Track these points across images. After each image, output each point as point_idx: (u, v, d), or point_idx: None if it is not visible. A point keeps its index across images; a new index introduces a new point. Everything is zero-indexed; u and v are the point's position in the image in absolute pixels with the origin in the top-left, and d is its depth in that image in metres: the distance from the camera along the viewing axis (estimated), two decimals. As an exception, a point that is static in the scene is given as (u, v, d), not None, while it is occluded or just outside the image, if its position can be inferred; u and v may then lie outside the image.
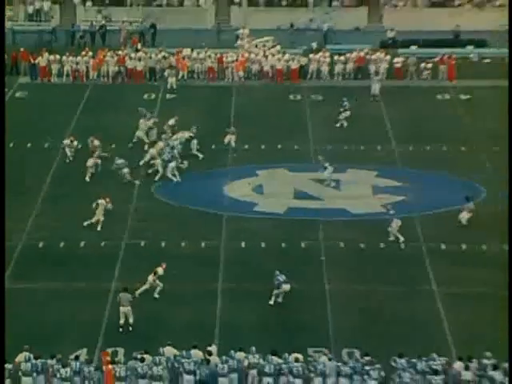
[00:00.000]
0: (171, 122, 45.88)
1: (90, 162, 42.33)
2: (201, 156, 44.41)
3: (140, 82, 55.03)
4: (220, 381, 27.81)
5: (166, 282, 33.27)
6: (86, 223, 37.59)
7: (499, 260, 35.65)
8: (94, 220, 37.60)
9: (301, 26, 63.40)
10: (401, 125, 48.95)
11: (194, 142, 44.74)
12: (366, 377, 27.87)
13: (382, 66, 55.82)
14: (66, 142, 44.61)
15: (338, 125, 48.35)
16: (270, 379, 27.81)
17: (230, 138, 45.81)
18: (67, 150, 44.27)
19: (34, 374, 27.63)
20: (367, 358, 28.32)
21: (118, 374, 27.50)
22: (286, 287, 32.69)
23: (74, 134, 45.44)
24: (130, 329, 30.96)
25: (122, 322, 31.05)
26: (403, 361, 28.05)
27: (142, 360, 27.95)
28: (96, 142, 43.76)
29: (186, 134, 44.72)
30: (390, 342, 30.09)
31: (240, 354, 28.44)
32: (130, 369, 27.82)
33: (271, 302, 32.61)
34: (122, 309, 31.22)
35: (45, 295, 33.23)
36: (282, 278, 32.79)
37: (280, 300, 32.64)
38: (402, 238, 36.80)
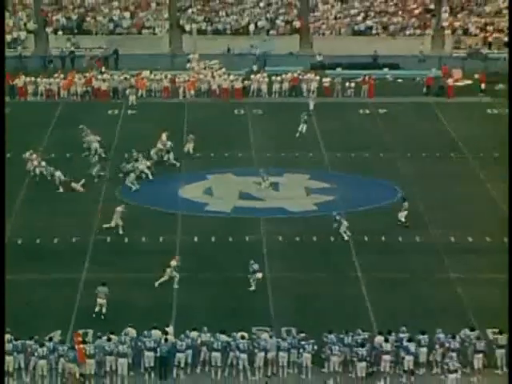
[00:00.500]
0: (163, 137, 44.87)
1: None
2: (177, 164, 44.03)
3: (105, 99, 54.49)
4: (177, 356, 27.65)
5: (129, 272, 32.94)
6: (105, 226, 36.95)
7: (413, 249, 35.93)
8: (112, 224, 36.84)
9: (243, 51, 63.30)
10: (329, 135, 49.07)
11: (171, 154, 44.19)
12: (301, 350, 27.81)
13: (313, 85, 55.92)
14: (27, 155, 42.96)
15: (297, 135, 48.02)
16: (218, 354, 27.66)
17: (188, 146, 45.34)
18: (29, 164, 42.56)
19: (15, 354, 27.32)
20: (302, 335, 28.27)
21: (88, 352, 27.17)
22: (259, 275, 32.48)
23: (35, 149, 44.02)
24: (103, 317, 30.48)
25: (96, 309, 30.60)
26: (332, 336, 28.02)
27: (109, 339, 27.65)
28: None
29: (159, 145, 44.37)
30: (321, 320, 29.96)
31: (194, 333, 28.22)
32: (99, 347, 27.53)
33: (252, 288, 32.38)
34: (99, 300, 30.71)
35: (24, 285, 32.72)
36: (255, 266, 32.66)
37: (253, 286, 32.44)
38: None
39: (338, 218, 36.68)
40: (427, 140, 48.17)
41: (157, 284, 32.12)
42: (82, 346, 27.31)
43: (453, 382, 26.91)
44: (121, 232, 36.78)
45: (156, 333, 28.24)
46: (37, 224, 37.76)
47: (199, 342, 27.97)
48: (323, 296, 32.41)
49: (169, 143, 44.57)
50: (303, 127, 48.25)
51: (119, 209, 37.07)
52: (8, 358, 27.17)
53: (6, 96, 54.21)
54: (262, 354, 27.77)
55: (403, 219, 37.82)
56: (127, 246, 35.97)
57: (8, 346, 27.34)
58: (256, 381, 27.42)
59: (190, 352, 27.80)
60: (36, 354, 27.31)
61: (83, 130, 45.75)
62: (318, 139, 48.66)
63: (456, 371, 26.97)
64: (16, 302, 31.21)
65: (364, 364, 27.34)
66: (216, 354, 27.72)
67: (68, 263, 34.46)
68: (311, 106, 52.36)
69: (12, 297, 31.47)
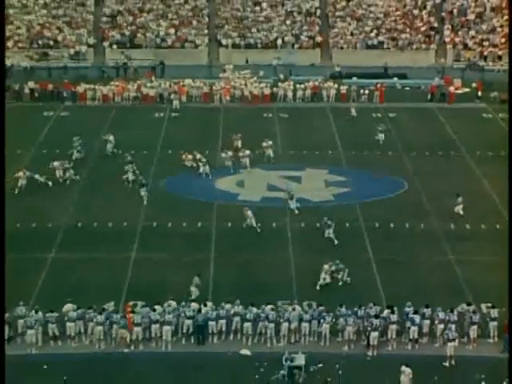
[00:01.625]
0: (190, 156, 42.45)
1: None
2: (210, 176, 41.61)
3: (152, 104, 54.46)
4: (210, 324, 27.64)
5: (169, 253, 32.96)
6: None
7: (418, 234, 35.58)
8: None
9: (272, 62, 63.06)
10: (346, 135, 48.65)
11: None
12: (321, 321, 27.62)
13: (331, 92, 55.50)
14: (18, 174, 39.39)
15: (380, 142, 45.89)
16: (249, 324, 27.58)
17: (237, 143, 44.67)
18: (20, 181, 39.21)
19: (77, 321, 27.49)
20: (322, 308, 28.07)
21: (135, 321, 27.19)
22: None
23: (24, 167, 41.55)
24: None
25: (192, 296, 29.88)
26: (343, 309, 27.82)
27: (154, 310, 27.65)
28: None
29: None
30: (338, 296, 29.78)
31: (227, 306, 28.13)
32: (146, 316, 27.51)
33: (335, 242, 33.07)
34: (191, 288, 30.02)
35: (84, 263, 32.79)
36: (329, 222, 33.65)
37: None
38: None
39: (329, 222, 34.74)
40: (430, 140, 47.66)
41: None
42: (130, 315, 27.34)
43: (451, 349, 26.67)
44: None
45: (194, 305, 28.24)
46: (93, 211, 37.80)
47: (232, 312, 27.89)
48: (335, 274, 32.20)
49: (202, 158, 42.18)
50: (381, 137, 45.93)
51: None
52: (70, 324, 27.35)
53: (69, 101, 54.41)
54: (286, 324, 27.66)
55: (461, 212, 36.48)
56: (171, 230, 35.93)
57: (71, 315, 27.51)
58: (281, 347, 27.23)
59: (223, 321, 27.71)
60: (94, 321, 27.41)
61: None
62: (335, 139, 48.30)
63: (454, 340, 26.73)
64: (78, 278, 31.45)
65: (377, 334, 27.10)
66: (247, 324, 27.59)
67: (119, 245, 34.44)
68: (353, 112, 51.09)
69: (76, 273, 31.78)
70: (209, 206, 38.54)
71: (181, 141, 47.03)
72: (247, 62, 63.31)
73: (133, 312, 27.68)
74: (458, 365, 26.33)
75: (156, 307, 27.90)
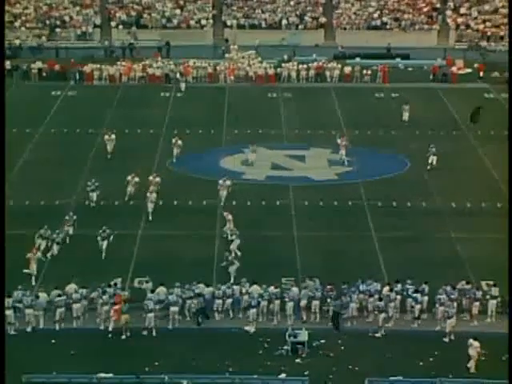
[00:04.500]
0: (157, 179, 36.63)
1: None
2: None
3: (158, 84, 54.16)
4: (216, 302, 27.46)
5: (175, 230, 32.88)
6: None
7: (419, 212, 35.47)
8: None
9: (275, 43, 62.63)
10: (349, 115, 48.39)
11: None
12: (328, 300, 27.37)
13: (335, 72, 55.16)
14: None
15: (428, 168, 39.50)
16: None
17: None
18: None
19: (82, 300, 27.14)
20: (329, 286, 27.80)
21: (124, 310, 26.44)
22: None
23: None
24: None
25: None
26: (346, 286, 27.65)
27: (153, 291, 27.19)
28: None
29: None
30: (341, 272, 29.64)
31: (236, 287, 27.82)
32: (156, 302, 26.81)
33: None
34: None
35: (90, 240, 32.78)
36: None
37: None
38: None
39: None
40: (433, 120, 47.41)
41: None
42: (118, 306, 26.41)
43: (450, 324, 26.59)
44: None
45: (200, 286, 27.78)
46: (100, 188, 37.68)
47: (243, 291, 27.56)
48: (342, 251, 32.17)
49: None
50: (433, 159, 39.77)
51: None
52: (75, 306, 26.83)
53: (76, 81, 54.07)
54: (292, 303, 27.34)
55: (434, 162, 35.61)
56: (176, 207, 35.83)
57: (75, 296, 26.97)
58: (289, 325, 26.96)
59: (229, 300, 27.45)
60: (100, 301, 26.95)
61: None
62: (339, 119, 48.03)
63: (453, 317, 26.64)
64: (87, 253, 31.33)
65: (383, 315, 26.77)
66: (264, 303, 27.15)
67: (127, 221, 34.32)
68: (405, 117, 46.43)
69: (85, 248, 31.62)
70: (214, 184, 38.42)
71: (186, 120, 46.88)
72: (226, 41, 62.38)
73: (126, 302, 26.72)
74: (459, 340, 26.27)
75: (161, 288, 27.28)
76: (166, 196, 36.55)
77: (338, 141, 41.20)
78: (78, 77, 54.30)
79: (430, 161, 38.62)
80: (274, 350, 25.76)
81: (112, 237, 31.13)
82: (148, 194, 34.90)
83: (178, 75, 54.17)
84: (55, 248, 31.27)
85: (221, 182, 36.12)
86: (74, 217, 32.94)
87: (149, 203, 34.69)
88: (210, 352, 25.68)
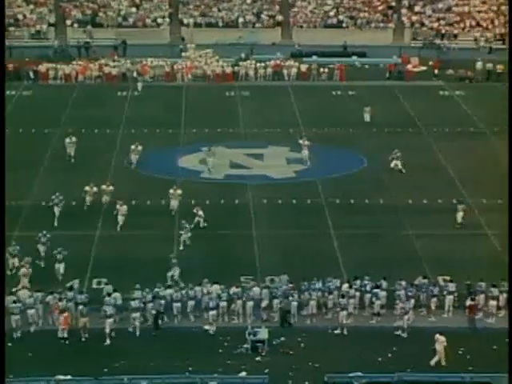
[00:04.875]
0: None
1: None
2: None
3: (115, 83, 53.77)
4: (175, 306, 27.27)
5: (132, 230, 32.69)
6: None
7: (377, 210, 35.76)
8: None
9: (233, 42, 62.66)
10: (306, 113, 48.60)
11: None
12: (290, 298, 27.42)
13: (292, 70, 55.40)
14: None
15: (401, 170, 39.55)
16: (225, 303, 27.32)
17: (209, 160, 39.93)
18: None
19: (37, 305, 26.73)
20: (291, 285, 27.91)
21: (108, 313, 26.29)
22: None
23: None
24: None
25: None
26: (306, 283, 27.87)
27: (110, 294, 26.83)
28: None
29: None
30: (300, 270, 29.65)
31: (198, 288, 27.66)
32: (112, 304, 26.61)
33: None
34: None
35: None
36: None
37: None
38: None
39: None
40: (389, 117, 47.87)
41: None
42: (66, 314, 26.01)
43: (407, 320, 26.81)
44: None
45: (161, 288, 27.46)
46: (56, 189, 37.28)
47: (205, 292, 27.46)
48: (301, 249, 32.29)
49: None
50: (397, 164, 39.61)
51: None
52: (30, 312, 26.36)
53: (31, 80, 53.46)
54: (252, 303, 27.32)
55: (460, 220, 33.87)
56: (135, 207, 35.61)
57: (29, 301, 26.53)
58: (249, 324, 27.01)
59: (191, 302, 27.27)
60: (57, 307, 26.45)
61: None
62: (296, 117, 48.23)
63: (409, 312, 26.88)
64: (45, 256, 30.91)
65: (345, 313, 26.97)
66: (223, 303, 27.24)
67: (83, 222, 34.08)
68: (367, 119, 46.53)
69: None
70: (172, 183, 38.26)
71: (144, 119, 46.65)
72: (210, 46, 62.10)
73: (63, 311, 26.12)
74: (417, 335, 26.59)
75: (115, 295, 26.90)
76: (124, 196, 36.30)
77: (300, 141, 41.28)
78: (32, 76, 53.65)
79: (392, 165, 38.67)
80: (234, 349, 25.80)
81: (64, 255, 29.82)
82: (118, 206, 33.77)
83: (134, 74, 53.85)
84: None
85: (171, 191, 35.13)
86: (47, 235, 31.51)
87: (119, 216, 33.59)
88: (169, 352, 25.60)
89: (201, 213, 33.61)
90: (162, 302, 27.16)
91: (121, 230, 33.45)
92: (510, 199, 32.47)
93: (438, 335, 25.17)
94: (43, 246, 30.72)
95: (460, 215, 34.08)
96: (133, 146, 40.03)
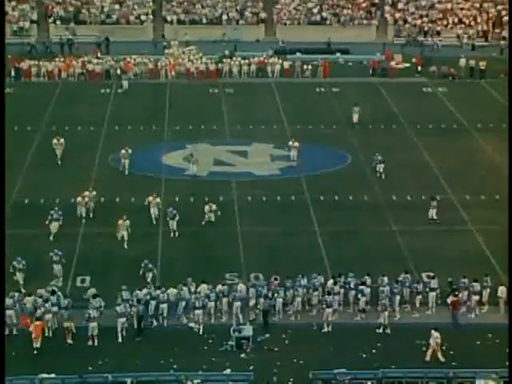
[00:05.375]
0: None
1: None
2: None
3: (98, 80, 53.54)
4: (160, 307, 27.03)
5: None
6: None
7: (361, 206, 35.82)
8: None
9: (217, 39, 62.56)
10: (290, 110, 48.62)
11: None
12: (275, 295, 27.39)
13: (276, 67, 55.38)
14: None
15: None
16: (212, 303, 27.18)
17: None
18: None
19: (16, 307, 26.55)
20: (277, 282, 27.79)
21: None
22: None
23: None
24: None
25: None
26: (290, 280, 27.78)
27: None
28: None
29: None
30: (284, 267, 29.64)
31: (185, 288, 27.40)
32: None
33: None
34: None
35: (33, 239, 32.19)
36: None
37: None
38: None
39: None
40: (373, 114, 47.95)
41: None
42: (39, 323, 25.39)
43: (390, 316, 26.96)
44: None
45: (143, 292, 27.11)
46: (40, 187, 37.13)
47: (192, 290, 27.32)
48: (286, 246, 32.31)
49: None
50: (380, 168, 38.63)
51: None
52: (8, 312, 26.07)
53: (13, 77, 53.14)
54: (239, 303, 27.17)
55: (434, 216, 34.03)
56: (119, 205, 35.49)
57: (8, 301, 26.31)
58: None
59: (183, 303, 27.12)
60: (42, 309, 26.13)
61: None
62: (280, 114, 48.21)
63: (387, 309, 26.89)
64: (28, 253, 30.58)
65: (331, 310, 26.99)
66: (211, 303, 27.11)
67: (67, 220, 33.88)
68: (355, 119, 45.74)
69: (25, 248, 31.00)
70: (156, 181, 38.17)
71: (127, 117, 46.51)
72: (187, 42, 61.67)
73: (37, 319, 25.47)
74: (401, 332, 26.68)
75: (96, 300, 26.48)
76: (108, 193, 36.20)
77: (290, 143, 41.10)
78: (14, 73, 53.30)
79: (378, 169, 38.60)
80: (218, 346, 25.78)
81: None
82: (151, 199, 33.66)
83: (118, 71, 53.62)
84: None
85: (150, 198, 33.95)
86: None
87: (152, 208, 33.57)
88: (154, 349, 25.55)
89: (214, 207, 33.48)
90: (153, 303, 26.74)
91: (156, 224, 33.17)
92: (510, 199, 32.44)
93: (433, 331, 25.25)
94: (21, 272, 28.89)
95: (433, 212, 34.07)
96: (123, 151, 39.01)
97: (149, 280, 28.60)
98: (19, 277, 28.75)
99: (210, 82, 53.56)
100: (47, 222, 32.39)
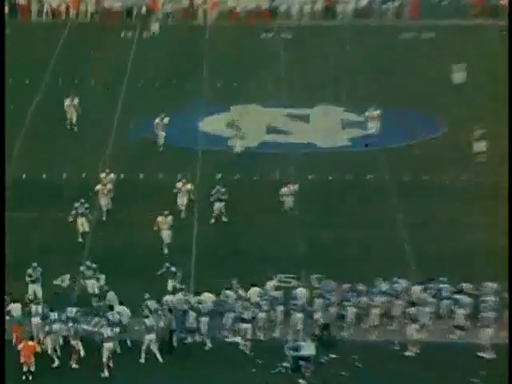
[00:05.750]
0: None
1: None
2: None
3: (117, 21, 54.12)
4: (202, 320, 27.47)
5: (138, 211, 33.20)
6: None
7: (458, 191, 35.76)
8: None
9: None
10: (367, 63, 47.97)
11: None
12: (346, 303, 27.79)
13: (349, 6, 55.18)
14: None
15: None
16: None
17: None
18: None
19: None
20: (346, 285, 28.25)
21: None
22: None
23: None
24: None
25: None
26: (363, 285, 28.20)
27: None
28: None
29: None
30: (356, 269, 30.02)
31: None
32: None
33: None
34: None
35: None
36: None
37: None
38: None
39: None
40: (478, 71, 47.07)
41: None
42: (31, 343, 25.90)
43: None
44: None
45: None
46: (42, 158, 37.90)
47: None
48: (357, 241, 32.48)
49: None
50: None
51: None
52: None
53: (7, 15, 53.88)
54: (301, 315, 27.47)
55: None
56: (142, 182, 36.00)
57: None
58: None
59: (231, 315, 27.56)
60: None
61: None
62: (353, 68, 47.84)
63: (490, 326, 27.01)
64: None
65: (417, 325, 27.10)
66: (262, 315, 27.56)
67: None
68: (457, 79, 45.39)
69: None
70: (192, 152, 38.57)
71: (155, 69, 46.96)
72: None
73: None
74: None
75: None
76: (132, 169, 36.66)
77: (367, 113, 40.99)
78: (9, 10, 54.05)
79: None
80: (271, 368, 26.05)
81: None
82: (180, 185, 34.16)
83: (143, 10, 54.12)
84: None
85: (179, 184, 34.36)
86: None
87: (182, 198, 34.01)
88: (187, 371, 26.04)
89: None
90: (193, 314, 27.19)
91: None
92: (510, 199, 32.97)
93: None
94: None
95: None
96: (157, 120, 39.09)
97: (169, 289, 28.62)
98: (36, 289, 28.73)
99: (262, 25, 53.69)
100: (71, 220, 32.59)
